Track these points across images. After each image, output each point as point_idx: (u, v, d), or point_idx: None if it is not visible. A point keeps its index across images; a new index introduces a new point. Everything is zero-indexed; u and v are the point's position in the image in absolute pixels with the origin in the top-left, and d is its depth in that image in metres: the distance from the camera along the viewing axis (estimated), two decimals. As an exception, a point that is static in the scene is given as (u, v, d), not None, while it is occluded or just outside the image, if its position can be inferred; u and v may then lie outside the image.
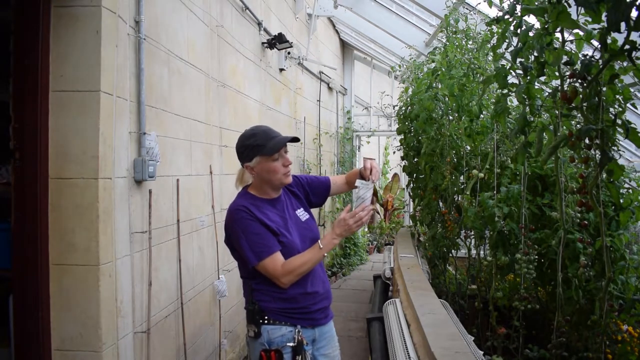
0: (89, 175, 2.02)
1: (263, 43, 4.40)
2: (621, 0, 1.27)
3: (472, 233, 3.43)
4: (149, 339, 2.43)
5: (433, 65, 3.89)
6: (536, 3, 1.80)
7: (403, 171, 4.93)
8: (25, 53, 1.99)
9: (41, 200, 2.00)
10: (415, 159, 4.48)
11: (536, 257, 2.71)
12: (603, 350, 2.26)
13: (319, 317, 1.94)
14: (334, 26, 7.95)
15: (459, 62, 3.51)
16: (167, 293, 2.67)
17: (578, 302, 2.43)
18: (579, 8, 1.49)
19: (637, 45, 1.39)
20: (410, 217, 5.25)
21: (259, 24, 4.25)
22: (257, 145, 1.84)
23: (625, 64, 1.65)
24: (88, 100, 2.02)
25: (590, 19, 1.51)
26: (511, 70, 2.09)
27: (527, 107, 2.05)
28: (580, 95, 1.69)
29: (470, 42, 3.64)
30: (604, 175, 1.81)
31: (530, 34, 1.86)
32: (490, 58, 3.29)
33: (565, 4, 1.60)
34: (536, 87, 2.13)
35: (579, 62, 1.71)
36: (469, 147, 3.60)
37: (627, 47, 1.40)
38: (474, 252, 3.56)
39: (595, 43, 1.58)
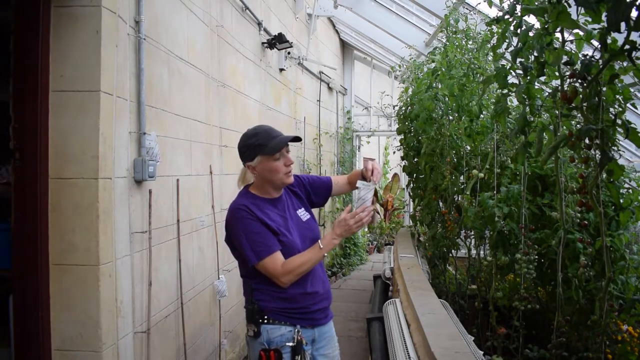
0: (89, 175, 2.02)
1: (263, 43, 4.40)
2: (621, 0, 1.27)
3: (472, 233, 3.43)
4: (149, 339, 2.43)
5: (433, 65, 3.89)
6: (536, 3, 1.80)
7: (403, 171, 4.93)
8: (25, 53, 1.99)
9: (41, 200, 2.00)
10: (415, 159, 4.48)
11: (536, 257, 2.71)
12: (603, 350, 2.26)
13: (318, 317, 1.94)
14: (334, 26, 7.95)
15: (459, 62, 3.51)
16: (167, 293, 2.67)
17: (578, 302, 2.43)
18: (579, 8, 1.49)
19: (637, 45, 1.39)
20: (410, 217, 5.25)
21: (259, 24, 4.25)
22: (259, 145, 1.84)
23: (625, 64, 1.65)
24: (88, 100, 2.02)
25: (590, 19, 1.51)
26: (511, 70, 2.09)
27: (527, 107, 2.05)
28: (580, 95, 1.69)
29: (470, 42, 3.64)
30: (604, 175, 1.81)
31: (530, 34, 1.86)
32: (490, 58, 3.29)
33: (565, 4, 1.60)
34: (536, 87, 2.13)
35: (579, 62, 1.71)
36: (469, 147, 3.60)
37: (627, 47, 1.40)
38: (474, 252, 3.56)
39: (595, 43, 1.58)
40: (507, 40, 2.05)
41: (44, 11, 1.99)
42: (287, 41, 4.46)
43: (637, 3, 1.28)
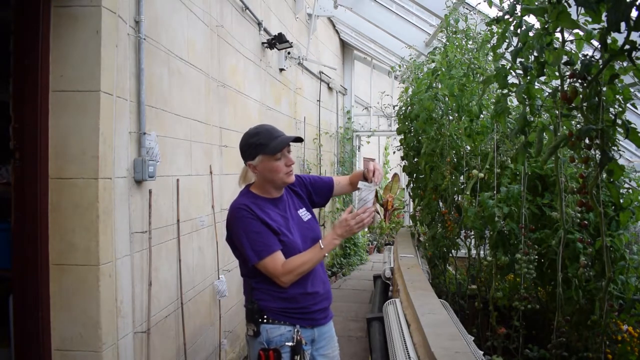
0: (89, 175, 2.02)
1: (263, 43, 4.40)
2: (621, 0, 1.27)
3: (472, 233, 3.44)
4: (149, 339, 2.43)
5: (433, 65, 3.89)
6: (536, 3, 1.80)
7: (403, 171, 4.94)
8: (25, 53, 1.99)
9: (41, 200, 2.00)
10: (415, 159, 4.48)
11: (536, 257, 2.71)
12: (603, 350, 2.26)
13: (318, 317, 1.94)
14: (334, 26, 7.95)
15: (459, 62, 3.51)
16: (167, 293, 2.67)
17: (578, 302, 2.43)
18: (579, 8, 1.49)
19: (637, 45, 1.39)
20: (410, 217, 5.25)
21: (259, 24, 4.25)
22: (260, 144, 1.84)
23: (625, 64, 1.65)
24: (88, 100, 2.02)
25: (590, 19, 1.51)
26: (511, 70, 2.09)
27: (527, 107, 2.05)
28: (580, 95, 1.69)
29: (470, 42, 3.64)
30: (604, 175, 1.81)
31: (530, 34, 1.86)
32: (490, 58, 3.29)
33: (565, 4, 1.60)
34: (536, 87, 2.13)
35: (579, 62, 1.71)
36: (469, 147, 3.60)
37: (627, 47, 1.40)
38: (474, 252, 3.56)
39: (595, 43, 1.58)
40: (507, 40, 2.05)
41: (44, 11, 1.99)
42: (287, 41, 4.46)
43: (637, 3, 1.28)
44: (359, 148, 8.92)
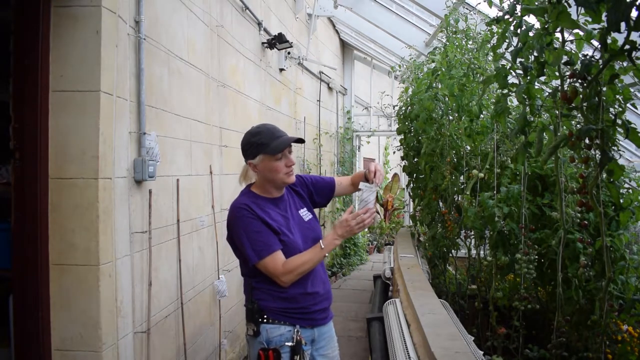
0: (89, 175, 2.02)
1: (263, 43, 4.40)
2: (621, 0, 1.27)
3: (472, 233, 3.44)
4: (149, 339, 2.43)
5: (433, 65, 3.89)
6: (536, 3, 1.80)
7: (403, 171, 4.93)
8: (25, 53, 1.99)
9: (41, 200, 2.00)
10: (415, 159, 4.48)
11: (536, 257, 2.71)
12: (603, 350, 2.26)
13: (318, 317, 1.94)
14: (334, 26, 7.95)
15: (459, 62, 3.51)
16: (167, 293, 2.68)
17: (578, 302, 2.43)
18: (579, 8, 1.49)
19: (637, 45, 1.39)
20: (410, 217, 5.25)
21: (259, 24, 4.25)
22: (262, 144, 1.84)
23: (625, 64, 1.65)
24: (88, 100, 2.02)
25: (590, 19, 1.51)
26: (511, 70, 2.09)
27: (527, 107, 2.05)
28: (580, 95, 1.69)
29: (470, 42, 3.64)
30: (604, 175, 1.81)
31: (530, 34, 1.86)
32: (490, 58, 3.29)
33: (565, 4, 1.60)
34: (536, 87, 2.13)
35: (579, 62, 1.71)
36: (469, 147, 3.60)
37: (627, 47, 1.40)
38: (474, 252, 3.56)
39: (595, 43, 1.58)
40: (507, 40, 2.05)
41: (44, 11, 1.99)
42: (287, 41, 4.46)
43: (637, 3, 1.28)
44: (359, 148, 8.92)
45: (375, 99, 8.44)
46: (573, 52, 1.81)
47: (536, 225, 2.83)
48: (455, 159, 3.72)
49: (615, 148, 1.78)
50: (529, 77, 1.95)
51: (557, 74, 1.87)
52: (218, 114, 3.43)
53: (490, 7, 2.43)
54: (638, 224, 2.66)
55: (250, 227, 1.82)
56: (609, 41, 1.45)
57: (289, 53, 5.02)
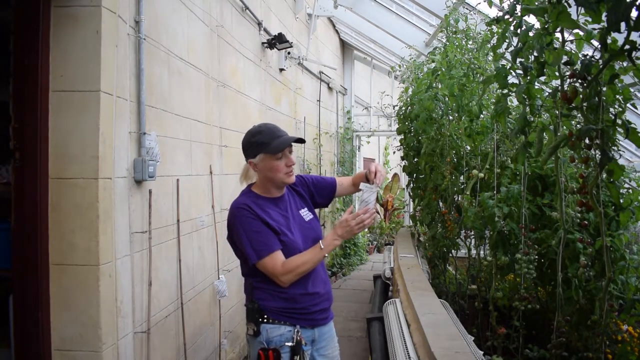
0: (89, 175, 2.02)
1: (263, 43, 4.40)
2: (621, 0, 1.27)
3: (472, 233, 3.44)
4: (149, 339, 2.43)
5: (433, 65, 3.89)
6: (536, 3, 1.80)
7: (403, 171, 4.94)
8: (25, 53, 1.99)
9: (41, 200, 2.00)
10: (415, 159, 4.48)
11: (536, 257, 2.71)
12: (603, 350, 2.26)
13: (319, 317, 1.94)
14: (334, 26, 7.95)
15: (459, 62, 3.51)
16: (167, 293, 2.67)
17: (578, 302, 2.43)
18: (579, 8, 1.49)
19: (637, 45, 1.39)
20: (410, 217, 5.25)
21: (259, 24, 4.25)
22: (262, 143, 1.85)
23: (625, 64, 1.65)
24: (88, 100, 2.02)
25: (590, 19, 1.51)
26: (511, 70, 2.09)
27: (527, 107, 2.05)
28: (580, 95, 1.69)
29: (470, 42, 3.64)
30: (604, 175, 1.81)
31: (530, 34, 1.86)
32: (490, 58, 3.29)
33: (565, 4, 1.60)
34: (536, 87, 2.13)
35: (579, 62, 1.71)
36: (469, 147, 3.60)
37: (627, 47, 1.40)
38: (474, 252, 3.56)
39: (595, 43, 1.58)
40: (507, 40, 2.05)
41: (44, 11, 1.99)
42: (287, 41, 4.46)
43: (637, 3, 1.28)
44: (359, 148, 8.92)
45: (375, 99, 8.44)
46: (573, 52, 1.81)
47: (536, 225, 2.83)
48: (455, 159, 3.72)
49: (615, 148, 1.78)
50: (529, 77, 1.96)
51: (557, 74, 1.87)
52: (218, 114, 3.43)
53: (490, 7, 2.43)
54: (638, 224, 2.66)
55: (250, 227, 1.82)
56: (609, 41, 1.45)
57: (289, 53, 5.02)
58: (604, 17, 1.38)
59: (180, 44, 2.85)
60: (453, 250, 3.95)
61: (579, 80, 1.68)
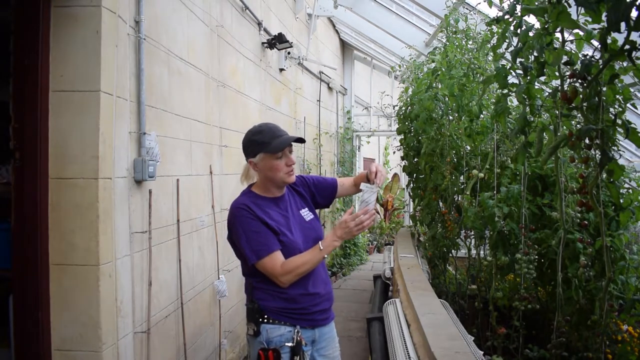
0: (89, 175, 2.02)
1: (263, 43, 4.40)
2: (621, 0, 1.27)
3: (472, 233, 3.43)
4: (149, 339, 2.43)
5: (433, 65, 3.89)
6: (536, 3, 1.80)
7: (403, 171, 4.94)
8: (25, 53, 1.99)
9: (41, 200, 2.00)
10: (415, 159, 4.48)
11: (536, 257, 2.71)
12: (603, 350, 2.26)
13: (319, 318, 1.93)
14: (334, 26, 7.95)
15: (459, 62, 3.51)
16: (167, 293, 2.67)
17: (578, 302, 2.43)
18: (579, 8, 1.49)
19: (637, 45, 1.39)
20: (410, 217, 5.25)
21: (259, 24, 4.25)
22: (262, 143, 1.85)
23: (625, 64, 1.65)
24: (88, 100, 2.02)
25: (590, 19, 1.51)
26: (511, 70, 2.09)
27: (527, 107, 2.05)
28: (580, 95, 1.69)
29: (470, 42, 3.64)
30: (604, 175, 1.81)
31: (530, 34, 1.86)
32: (490, 58, 3.29)
33: (565, 4, 1.60)
34: (536, 87, 2.13)
35: (579, 62, 1.71)
36: (469, 147, 3.60)
37: (627, 47, 1.40)
38: (474, 252, 3.56)
39: (595, 43, 1.58)
40: (507, 40, 2.05)
41: (44, 11, 1.99)
42: (287, 41, 4.46)
43: (637, 3, 1.28)
44: (359, 148, 8.92)
45: (375, 99, 8.44)
46: (573, 52, 1.81)
47: (536, 225, 2.83)
48: (455, 159, 3.72)
49: (615, 148, 1.78)
50: (529, 77, 1.95)
51: (557, 74, 1.87)
52: (218, 114, 3.43)
53: (490, 7, 2.43)
54: (638, 224, 2.66)
55: (249, 227, 1.82)
56: (609, 41, 1.45)
57: (289, 53, 5.02)
58: (604, 17, 1.38)
59: (180, 44, 2.85)
60: (453, 250, 3.95)
61: (579, 80, 1.67)
